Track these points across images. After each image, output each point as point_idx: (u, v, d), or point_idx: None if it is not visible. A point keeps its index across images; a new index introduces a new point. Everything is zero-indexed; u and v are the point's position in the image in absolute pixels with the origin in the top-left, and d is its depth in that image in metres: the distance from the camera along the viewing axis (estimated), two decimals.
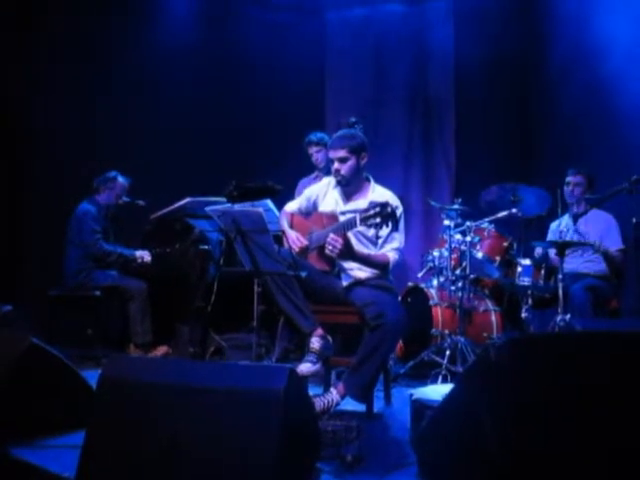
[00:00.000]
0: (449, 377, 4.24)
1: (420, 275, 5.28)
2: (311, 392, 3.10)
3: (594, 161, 5.05)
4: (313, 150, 5.13)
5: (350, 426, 3.00)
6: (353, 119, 4.44)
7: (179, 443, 2.11)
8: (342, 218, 3.40)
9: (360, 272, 3.48)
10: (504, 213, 4.72)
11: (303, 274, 3.17)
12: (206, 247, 5.18)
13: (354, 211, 3.30)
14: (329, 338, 3.37)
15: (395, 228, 3.23)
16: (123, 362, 2.46)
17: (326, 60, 7.01)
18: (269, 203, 4.60)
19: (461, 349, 4.42)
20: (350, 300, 3.41)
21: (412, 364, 4.57)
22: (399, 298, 4.42)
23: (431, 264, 5.10)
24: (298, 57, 6.62)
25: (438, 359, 4.44)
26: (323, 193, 3.72)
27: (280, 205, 4.09)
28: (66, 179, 5.49)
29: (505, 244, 4.93)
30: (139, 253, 5.16)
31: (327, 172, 4.49)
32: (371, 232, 3.44)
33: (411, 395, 3.01)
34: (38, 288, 5.15)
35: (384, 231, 3.35)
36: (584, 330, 3.86)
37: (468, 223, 4.74)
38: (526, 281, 4.45)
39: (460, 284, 4.68)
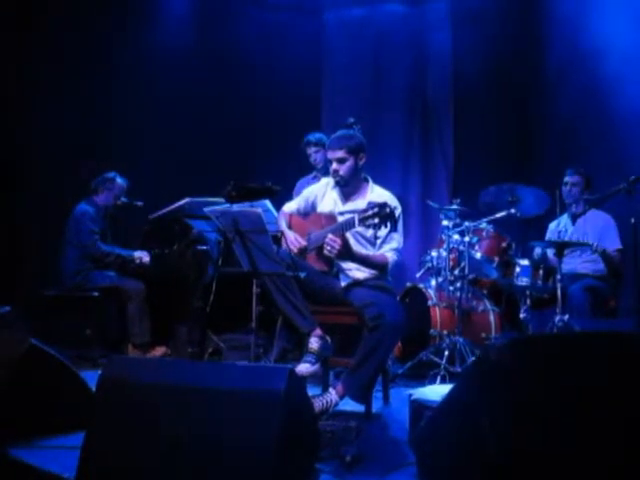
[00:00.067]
0: (447, 377, 4.24)
1: (418, 275, 5.29)
2: (310, 392, 3.10)
3: (592, 162, 5.07)
4: (311, 150, 5.13)
5: (349, 426, 3.01)
6: (351, 119, 4.43)
7: (179, 444, 2.11)
8: (341, 218, 3.40)
9: (359, 272, 3.49)
10: (502, 213, 4.74)
11: (302, 274, 3.17)
12: (204, 247, 5.18)
13: (353, 211, 3.30)
14: (328, 338, 3.38)
15: (394, 228, 3.24)
16: (123, 363, 2.46)
17: (324, 60, 7.01)
18: (267, 204, 4.60)
19: (459, 349, 4.42)
20: (349, 300, 3.41)
21: (410, 364, 4.57)
22: (397, 298, 4.43)
23: (429, 264, 5.10)
24: (296, 57, 6.63)
25: (436, 359, 4.45)
26: (322, 193, 3.73)
27: (278, 206, 4.09)
28: (65, 179, 5.48)
29: (503, 244, 4.94)
30: (137, 254, 5.16)
31: (325, 172, 4.50)
32: (370, 232, 3.45)
33: (410, 395, 3.01)
34: (36, 289, 5.14)
35: (383, 231, 3.35)
36: (583, 330, 3.87)
37: (466, 223, 4.74)
38: (524, 281, 4.45)
39: (458, 284, 4.69)
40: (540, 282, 4.54)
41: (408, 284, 5.22)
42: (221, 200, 4.46)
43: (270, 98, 6.68)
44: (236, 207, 3.80)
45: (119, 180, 5.26)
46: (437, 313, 4.77)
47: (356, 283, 3.47)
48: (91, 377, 3.01)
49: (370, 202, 3.18)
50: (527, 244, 4.84)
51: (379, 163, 5.96)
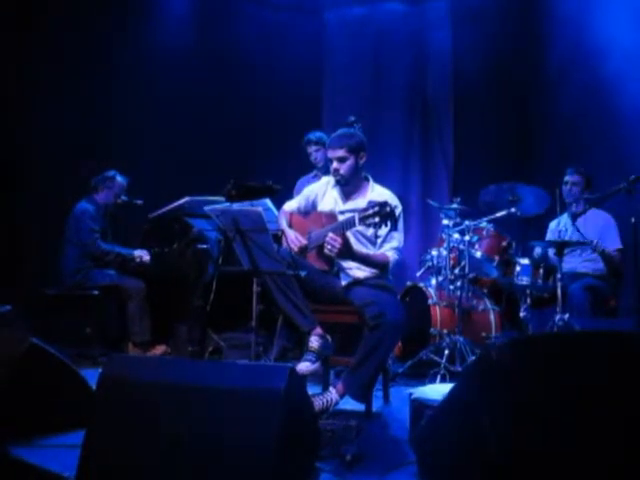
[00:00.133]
0: (448, 376, 4.24)
1: (419, 274, 5.29)
2: (310, 391, 3.10)
3: (593, 161, 5.07)
4: (312, 149, 5.13)
5: (349, 425, 3.01)
6: (352, 118, 4.43)
7: (179, 442, 2.11)
8: (341, 217, 3.40)
9: (359, 271, 3.49)
10: (503, 212, 4.73)
11: (302, 273, 3.17)
12: (205, 246, 5.18)
13: (353, 210, 3.29)
14: (328, 337, 3.38)
15: (394, 227, 3.23)
16: (123, 361, 2.46)
17: (324, 59, 7.02)
18: (268, 202, 4.60)
19: (460, 348, 4.42)
20: (349, 299, 3.41)
21: (411, 363, 4.57)
22: (398, 297, 4.42)
23: (430, 263, 5.10)
24: (297, 56, 6.63)
25: (437, 358, 4.45)
26: (322, 192, 3.73)
27: (279, 204, 4.09)
28: (65, 179, 5.48)
29: (504, 243, 4.93)
30: (137, 252, 5.16)
31: (326, 171, 4.50)
32: (370, 231, 3.45)
33: (410, 394, 3.01)
34: (36, 288, 5.14)
35: (383, 230, 3.35)
36: (583, 329, 3.87)
37: (467, 222, 4.74)
38: (525, 280, 4.45)
39: (459, 283, 4.69)
40: (540, 281, 4.54)
41: (408, 283, 5.22)
42: (221, 199, 4.46)
43: (270, 98, 6.67)
44: (236, 206, 3.80)
45: (119, 178, 5.26)
46: (437, 312, 4.78)
47: (356, 282, 3.46)
48: (91, 375, 3.01)
49: (370, 201, 3.18)
50: (527, 243, 4.84)
51: (379, 162, 5.96)
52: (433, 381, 4.22)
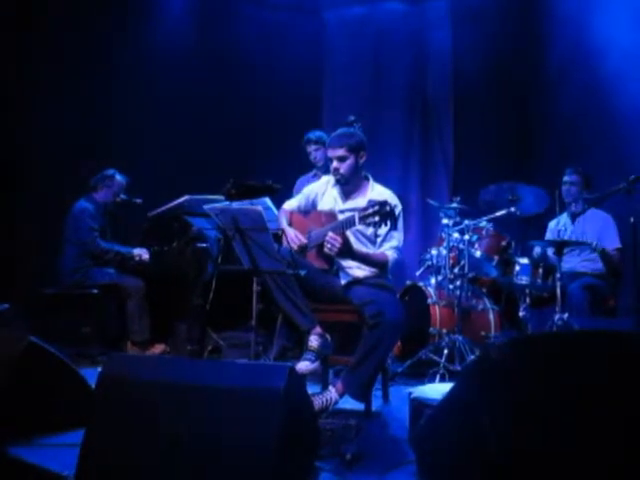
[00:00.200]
0: (447, 376, 4.24)
1: (418, 274, 5.29)
2: (309, 390, 3.10)
3: (593, 161, 5.07)
4: (312, 148, 5.13)
5: (349, 425, 3.01)
6: (352, 117, 4.43)
7: (178, 442, 2.11)
8: (341, 217, 3.39)
9: (359, 271, 3.48)
10: (502, 212, 4.74)
11: (302, 272, 3.17)
12: (204, 245, 5.18)
13: (353, 210, 3.30)
14: (327, 336, 3.38)
15: (394, 227, 3.23)
16: (122, 360, 2.46)
17: (324, 59, 7.02)
18: (268, 201, 4.59)
19: (459, 348, 4.42)
20: (349, 298, 3.41)
21: (410, 363, 4.57)
22: (397, 297, 4.42)
23: (429, 263, 5.10)
24: (296, 56, 6.63)
25: (436, 358, 4.45)
26: (322, 191, 3.73)
27: (279, 204, 4.09)
28: (65, 179, 5.48)
29: (503, 243, 4.93)
30: (137, 251, 5.16)
31: (325, 170, 4.50)
32: (370, 231, 3.44)
33: (410, 394, 3.01)
34: (35, 286, 5.14)
35: (383, 230, 3.35)
36: (582, 329, 3.87)
37: (466, 222, 4.75)
38: (524, 280, 4.46)
39: (458, 283, 4.69)
40: (539, 281, 4.54)
41: (408, 282, 5.22)
42: (221, 198, 4.46)
43: (270, 98, 6.67)
44: (236, 205, 3.80)
45: (118, 177, 5.26)
46: (437, 311, 4.78)
47: (356, 281, 3.46)
48: (90, 374, 3.01)
49: (370, 200, 3.17)
50: (527, 243, 4.84)
51: (379, 161, 5.96)
52: (432, 380, 4.22)
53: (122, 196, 5.32)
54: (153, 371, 2.32)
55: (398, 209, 3.40)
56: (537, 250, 4.91)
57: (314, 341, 3.30)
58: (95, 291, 4.99)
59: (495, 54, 6.24)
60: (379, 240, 3.47)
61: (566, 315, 4.14)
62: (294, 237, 3.55)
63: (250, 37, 6.64)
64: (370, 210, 3.04)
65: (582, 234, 4.74)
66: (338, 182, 3.59)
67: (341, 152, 3.47)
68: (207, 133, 6.33)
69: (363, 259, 3.40)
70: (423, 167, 6.79)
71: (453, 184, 6.62)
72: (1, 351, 2.89)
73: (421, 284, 5.03)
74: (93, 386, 2.36)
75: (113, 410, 2.24)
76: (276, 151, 6.37)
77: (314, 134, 5.14)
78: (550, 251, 4.71)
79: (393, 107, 6.81)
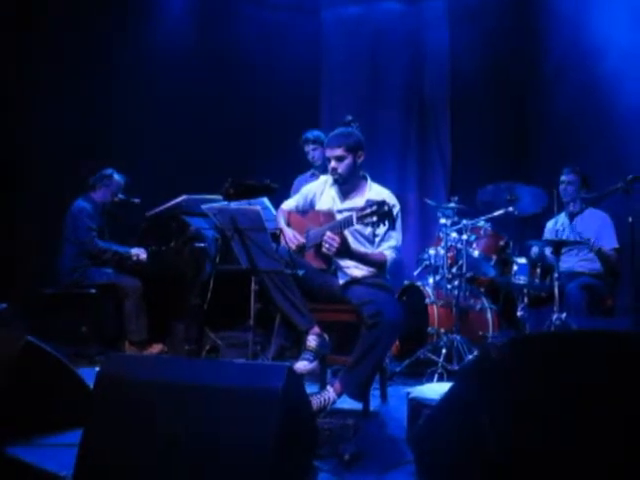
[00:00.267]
0: (445, 375, 4.24)
1: (416, 273, 5.29)
2: (307, 390, 3.10)
3: (590, 160, 5.07)
4: (309, 148, 5.14)
5: (347, 424, 3.01)
6: (349, 117, 4.43)
7: (176, 442, 2.10)
8: (339, 216, 3.39)
9: (357, 270, 3.48)
10: (500, 212, 4.73)
11: (300, 272, 3.17)
12: (202, 245, 5.17)
13: (351, 209, 3.29)
14: (326, 336, 3.37)
15: (392, 226, 3.23)
16: (121, 360, 2.45)
17: (322, 58, 7.02)
18: (266, 201, 4.59)
19: (457, 347, 4.42)
20: (347, 298, 3.40)
21: (408, 362, 4.57)
22: (395, 296, 4.42)
23: (427, 262, 5.10)
24: (294, 55, 6.64)
25: (434, 357, 4.44)
26: (320, 191, 3.73)
27: (276, 203, 4.09)
28: (64, 178, 5.48)
29: (501, 243, 4.93)
30: (135, 251, 5.16)
31: (323, 170, 4.50)
32: (368, 230, 3.44)
33: (408, 393, 3.01)
34: (33, 286, 5.14)
35: (381, 229, 3.35)
36: (581, 329, 3.88)
37: (464, 221, 4.75)
38: (522, 280, 4.46)
39: (456, 282, 4.70)
40: (537, 280, 4.54)
41: (406, 282, 5.22)
42: (218, 197, 4.46)
43: (268, 96, 6.68)
44: (234, 205, 3.80)
45: (116, 177, 5.26)
46: (435, 311, 4.78)
47: (354, 281, 3.46)
48: (88, 374, 3.01)
49: (368, 200, 3.16)
50: (525, 242, 4.84)
51: (376, 161, 5.96)
52: (430, 380, 4.21)
53: (120, 196, 5.32)
54: (151, 371, 2.31)
55: (396, 209, 3.40)
56: (535, 250, 4.91)
57: (312, 341, 3.30)
58: (93, 291, 4.98)
59: (492, 54, 6.25)
60: (377, 240, 3.47)
61: (564, 315, 4.14)
62: (292, 237, 3.55)
63: (249, 37, 6.65)
64: (368, 210, 3.03)
65: (580, 234, 4.74)
66: (336, 182, 3.59)
67: (339, 152, 3.47)
68: (206, 133, 6.33)
69: (361, 259, 3.40)
70: (421, 167, 6.79)
71: (451, 184, 6.63)
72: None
73: (419, 284, 5.03)
74: (91, 386, 2.36)
75: (111, 410, 2.24)
76: (274, 151, 6.37)
77: (312, 134, 5.14)
78: (548, 251, 4.71)
79: (391, 107, 6.82)
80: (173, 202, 5.03)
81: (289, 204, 3.85)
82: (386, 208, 3.00)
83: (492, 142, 6.32)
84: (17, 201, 5.57)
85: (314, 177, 4.89)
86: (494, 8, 6.25)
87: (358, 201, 3.45)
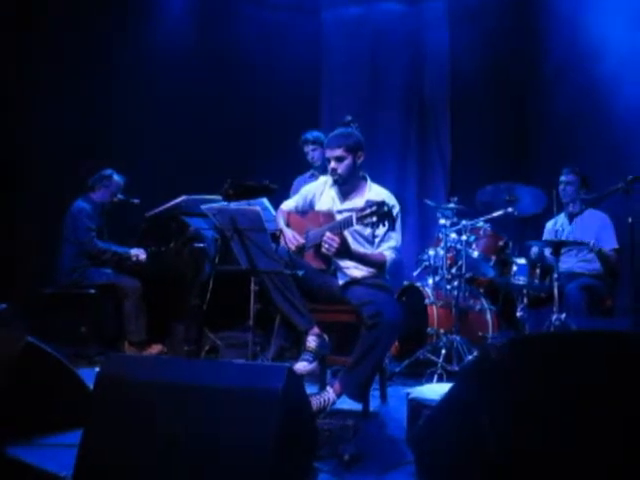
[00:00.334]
0: (444, 376, 4.24)
1: (416, 274, 5.29)
2: (307, 391, 3.10)
3: (590, 161, 5.08)
4: (309, 149, 5.13)
5: (346, 425, 3.01)
6: (349, 117, 4.43)
7: (175, 442, 2.10)
8: (339, 217, 3.39)
9: (356, 271, 3.48)
10: (500, 212, 4.74)
11: (300, 272, 3.17)
12: (201, 245, 5.17)
13: (351, 210, 3.29)
14: (325, 337, 3.38)
15: (392, 227, 3.23)
16: (120, 360, 2.45)
17: (322, 59, 7.02)
18: (265, 202, 4.59)
19: (456, 348, 4.42)
20: (346, 299, 3.40)
21: (407, 363, 4.57)
22: (395, 297, 4.42)
23: (427, 263, 5.10)
24: (294, 56, 6.64)
25: (433, 358, 4.44)
26: (320, 192, 3.73)
27: (276, 204, 4.09)
28: (64, 179, 5.48)
29: (501, 243, 4.93)
30: (134, 251, 5.16)
31: (323, 170, 4.50)
32: (367, 231, 3.45)
33: (407, 394, 3.01)
34: (33, 286, 5.13)
35: (381, 230, 3.34)
36: (580, 329, 3.88)
37: (464, 222, 4.75)
38: (521, 280, 4.46)
39: (456, 283, 4.69)
40: (537, 281, 4.55)
41: (405, 282, 5.22)
42: (218, 198, 4.46)
43: (267, 97, 6.68)
44: (233, 205, 3.80)
45: (116, 177, 5.26)
46: (434, 312, 4.78)
47: (354, 281, 3.46)
48: (87, 375, 3.02)
49: (368, 200, 3.16)
50: (524, 243, 4.84)
51: (376, 161, 5.96)
52: (430, 380, 4.21)
53: (119, 196, 5.31)
54: (150, 371, 2.31)
55: (396, 209, 3.40)
56: (534, 250, 4.90)
57: (312, 341, 3.30)
58: (92, 291, 4.98)
59: (492, 54, 6.25)
60: (377, 240, 3.47)
61: (563, 315, 4.14)
62: (292, 237, 3.55)
63: (249, 37, 6.66)
64: (368, 210, 3.03)
65: (580, 234, 4.74)
66: (336, 182, 3.59)
67: (339, 152, 3.47)
68: (206, 133, 6.34)
69: (361, 259, 3.40)
70: (420, 167, 6.80)
71: (450, 184, 6.63)
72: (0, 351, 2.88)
73: (418, 284, 5.03)
74: (91, 386, 2.36)
75: (111, 410, 2.24)
76: (274, 151, 6.38)
77: (311, 134, 5.14)
78: (547, 251, 4.71)
79: (391, 107, 6.82)
80: (173, 202, 5.03)
81: (288, 205, 3.85)
82: (386, 209, 3.00)
83: (492, 142, 6.33)
84: (17, 201, 5.57)
85: (313, 178, 4.88)
86: (494, 8, 6.25)
87: (358, 202, 3.45)
